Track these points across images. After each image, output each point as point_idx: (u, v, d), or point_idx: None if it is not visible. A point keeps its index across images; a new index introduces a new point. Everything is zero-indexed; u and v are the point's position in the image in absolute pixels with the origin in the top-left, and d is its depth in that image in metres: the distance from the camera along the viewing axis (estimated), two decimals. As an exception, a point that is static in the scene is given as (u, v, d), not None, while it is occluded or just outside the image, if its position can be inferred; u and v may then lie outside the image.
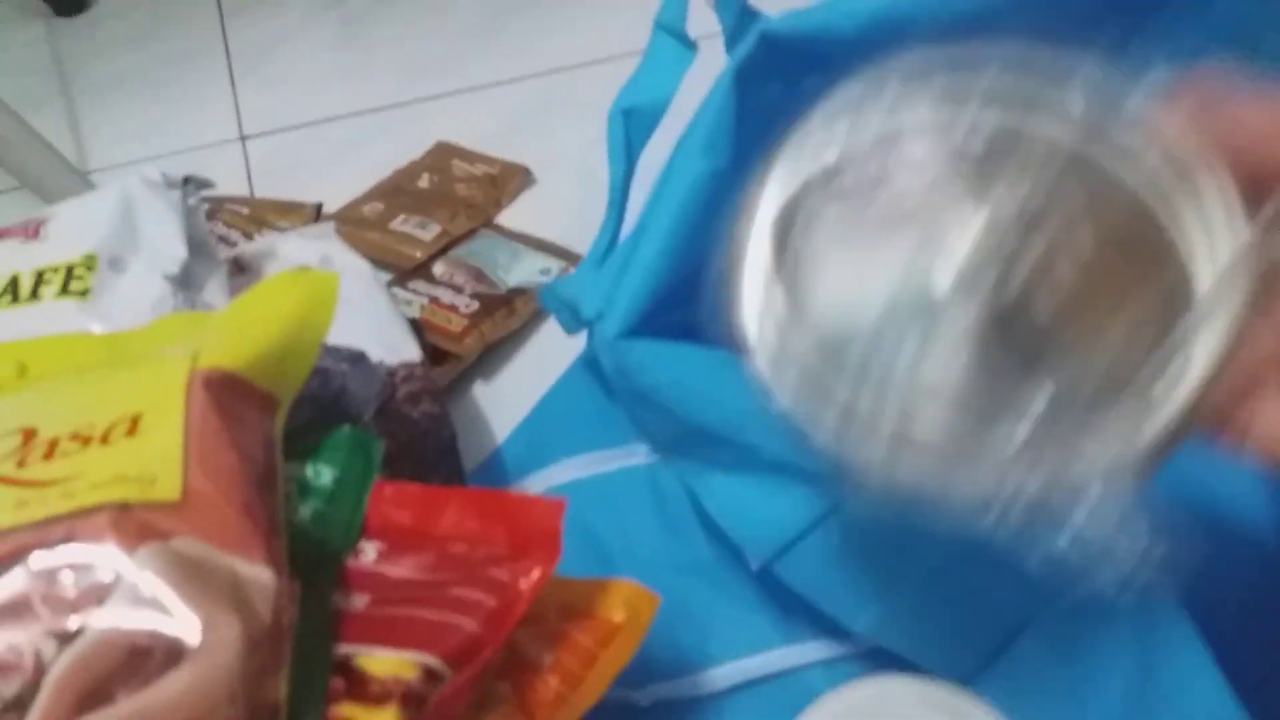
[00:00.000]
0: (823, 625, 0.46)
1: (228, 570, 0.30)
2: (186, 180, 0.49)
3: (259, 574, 0.31)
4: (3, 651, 0.27)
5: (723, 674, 0.47)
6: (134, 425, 0.32)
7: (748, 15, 0.53)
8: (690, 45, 0.53)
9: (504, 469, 0.57)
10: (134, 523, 0.29)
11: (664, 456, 0.45)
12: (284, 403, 0.36)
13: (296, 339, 0.37)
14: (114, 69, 0.89)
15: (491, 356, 0.64)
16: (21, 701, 0.27)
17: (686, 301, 0.39)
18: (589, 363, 0.60)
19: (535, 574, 0.34)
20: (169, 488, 0.30)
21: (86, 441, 0.31)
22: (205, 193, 0.52)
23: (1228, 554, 0.34)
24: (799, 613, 0.46)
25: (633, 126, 0.53)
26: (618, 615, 0.37)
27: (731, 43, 0.53)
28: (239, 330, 0.36)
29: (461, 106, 0.82)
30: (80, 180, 0.67)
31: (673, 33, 0.53)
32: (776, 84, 0.39)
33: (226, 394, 0.33)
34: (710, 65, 0.50)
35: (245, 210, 0.71)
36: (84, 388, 0.34)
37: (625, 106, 0.53)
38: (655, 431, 0.44)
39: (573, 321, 0.52)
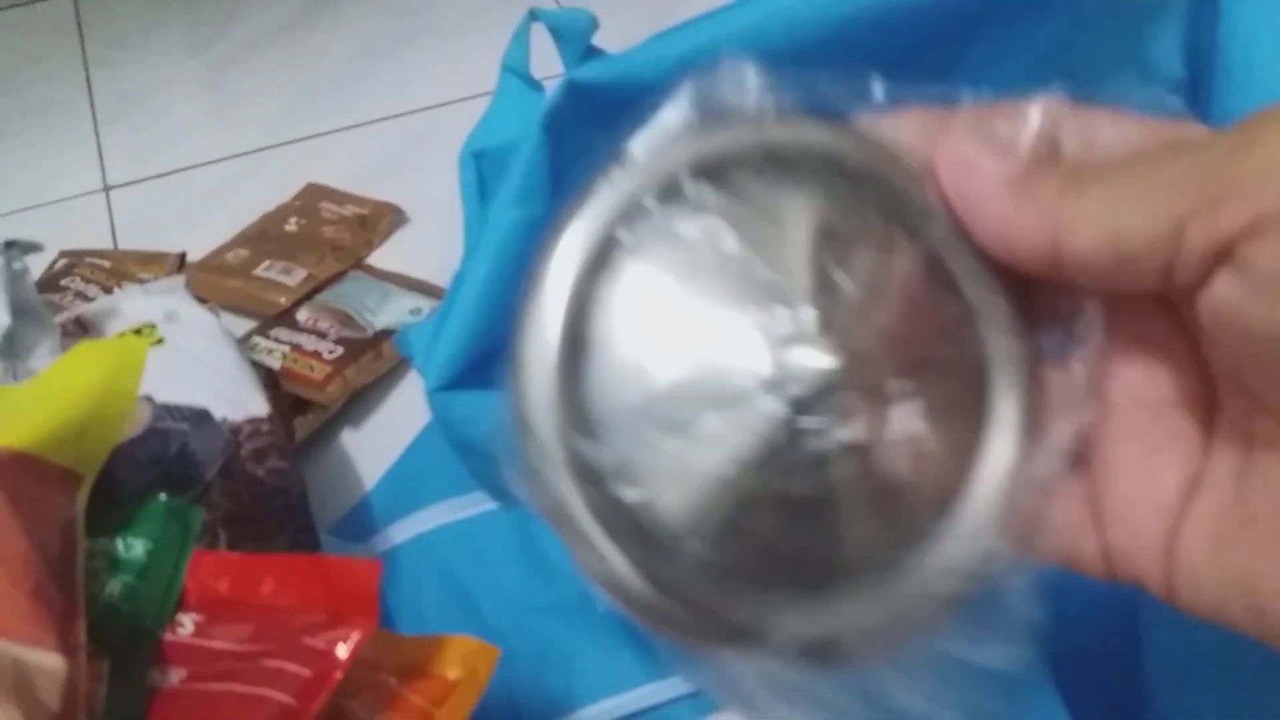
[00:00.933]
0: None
1: (10, 659, 0.29)
2: (9, 245, 0.47)
3: (46, 660, 0.30)
4: None
5: (591, 714, 0.47)
6: (-88, 514, 0.31)
7: (591, 56, 0.53)
8: (537, 86, 0.53)
9: (371, 517, 0.56)
10: (-94, 618, 0.28)
11: (503, 503, 0.44)
12: (87, 477, 0.35)
13: (99, 410, 0.35)
14: (-28, 121, 0.86)
15: (359, 402, 0.63)
16: None
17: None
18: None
19: (354, 639, 0.33)
20: (-53, 578, 0.29)
21: None
22: (67, 245, 0.51)
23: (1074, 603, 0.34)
24: (662, 649, 0.46)
25: (485, 168, 0.53)
26: (453, 672, 0.37)
27: None
28: (34, 407, 0.35)
29: (331, 147, 0.81)
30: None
31: (518, 74, 0.53)
32: (590, 130, 0.39)
33: (17, 474, 0.32)
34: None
35: (106, 263, 0.70)
36: None
37: (475, 149, 0.53)
38: (488, 480, 0.44)
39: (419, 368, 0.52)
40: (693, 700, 0.46)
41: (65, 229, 0.74)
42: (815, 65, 0.41)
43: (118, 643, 0.33)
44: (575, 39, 0.52)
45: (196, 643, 0.35)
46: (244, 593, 0.36)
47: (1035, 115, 0.21)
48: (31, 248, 0.49)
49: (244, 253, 0.70)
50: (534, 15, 0.52)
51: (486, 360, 0.39)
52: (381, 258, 0.72)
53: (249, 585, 0.36)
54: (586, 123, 0.39)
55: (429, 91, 0.85)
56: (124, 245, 0.74)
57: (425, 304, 0.67)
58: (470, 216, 0.54)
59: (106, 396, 0.36)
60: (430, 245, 0.73)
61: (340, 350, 0.62)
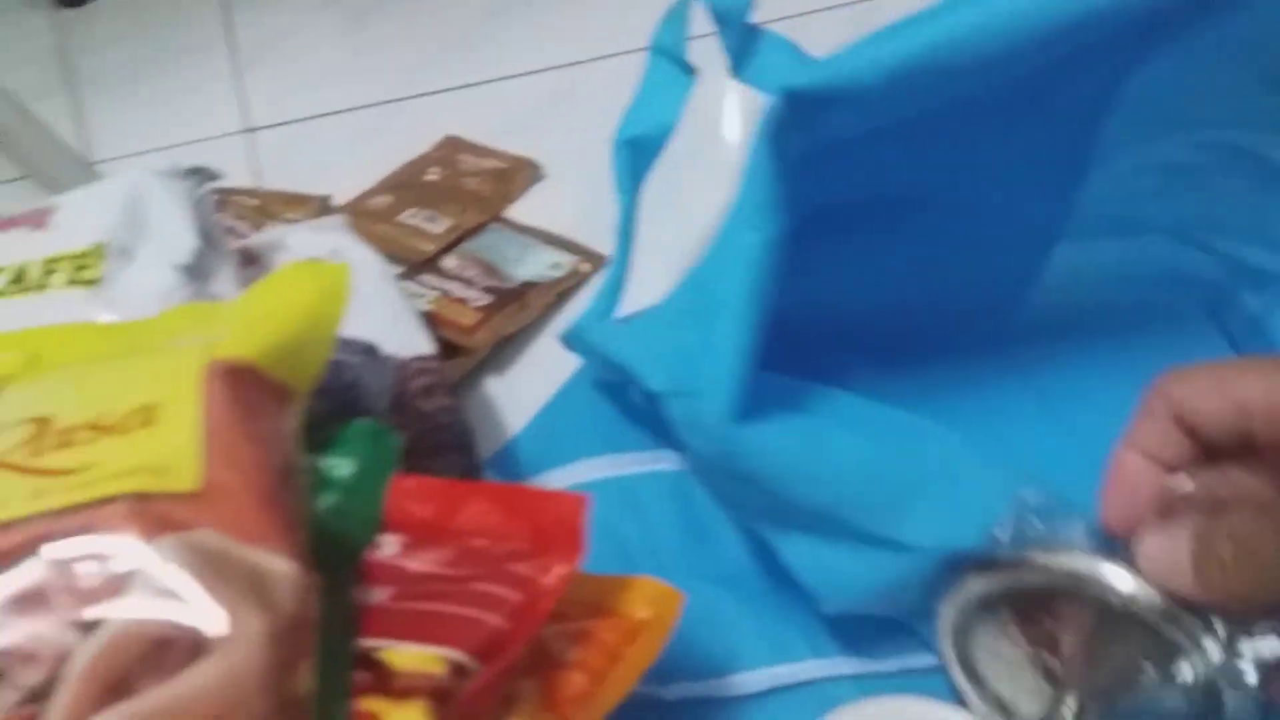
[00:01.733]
0: (852, 643, 0.46)
1: (249, 563, 0.29)
2: (195, 171, 0.48)
3: (281, 566, 0.30)
4: (23, 641, 0.27)
5: (752, 679, 0.46)
6: (149, 415, 0.31)
7: (751, 34, 0.52)
8: (690, 70, 0.52)
9: (518, 464, 0.56)
10: (152, 514, 0.29)
11: (738, 513, 0.45)
12: (299, 395, 0.35)
13: (310, 331, 0.36)
14: (118, 60, 0.88)
15: (502, 350, 0.63)
16: (44, 691, 0.26)
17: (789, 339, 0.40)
18: (600, 383, 0.59)
19: (559, 570, 0.33)
20: (188, 479, 0.30)
21: (102, 431, 0.31)
22: (212, 184, 0.52)
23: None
24: (827, 628, 0.46)
25: (637, 156, 0.52)
26: (642, 612, 0.37)
27: (737, 64, 0.52)
28: (253, 321, 0.35)
29: (469, 100, 0.81)
30: (86, 172, 0.67)
31: (671, 57, 0.52)
32: (799, 133, 0.39)
33: (243, 385, 0.33)
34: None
35: (253, 201, 0.71)
36: (97, 377, 0.33)
37: (628, 137, 0.52)
38: (737, 500, 0.44)
39: (604, 370, 0.52)
40: (856, 680, 0.46)
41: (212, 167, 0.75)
42: (1028, 65, 0.41)
43: (326, 559, 0.34)
44: (734, 19, 0.51)
45: (399, 563, 0.35)
46: (446, 518, 0.36)
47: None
48: (214, 175, 0.49)
49: (388, 199, 0.71)
50: None
51: (764, 390, 0.39)
52: (518, 211, 0.72)
53: (451, 511, 0.36)
54: (798, 126, 0.38)
55: (563, 49, 0.85)
56: (268, 184, 0.75)
57: (565, 258, 0.67)
58: (626, 206, 0.53)
59: (317, 317, 0.36)
60: (566, 201, 0.73)
61: (488, 298, 0.62)
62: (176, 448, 0.30)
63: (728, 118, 0.71)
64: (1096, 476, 0.55)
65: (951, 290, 0.54)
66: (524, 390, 0.61)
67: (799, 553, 0.43)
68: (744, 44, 0.51)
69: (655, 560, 0.50)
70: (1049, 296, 0.56)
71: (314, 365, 0.36)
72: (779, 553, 0.43)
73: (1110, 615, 0.36)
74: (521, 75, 0.83)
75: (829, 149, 0.42)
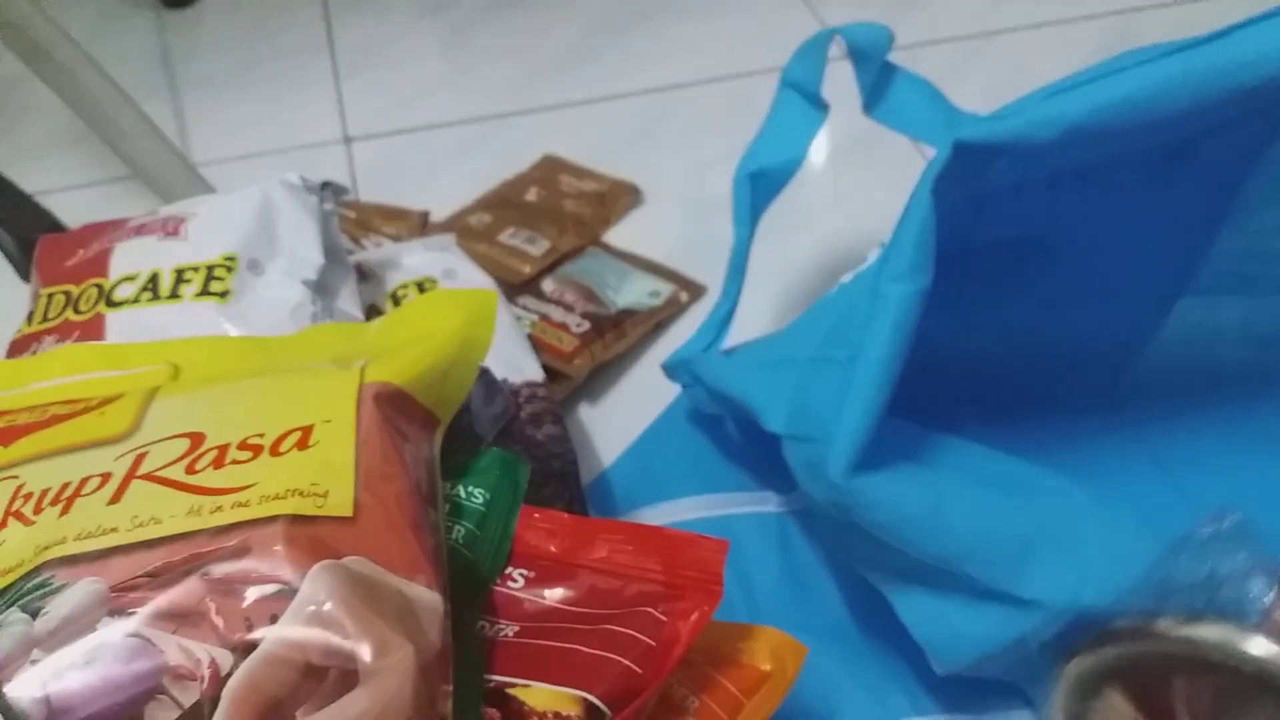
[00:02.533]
0: (953, 700, 0.45)
1: (398, 592, 0.29)
2: (325, 185, 0.48)
3: (427, 597, 0.30)
4: (179, 659, 0.27)
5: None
6: (305, 438, 0.31)
7: (886, 71, 0.52)
8: (822, 106, 0.51)
9: (612, 496, 0.56)
10: (308, 538, 0.29)
11: (853, 563, 0.44)
12: (444, 422, 0.35)
13: (458, 358, 0.36)
14: (220, 63, 0.89)
15: (597, 378, 0.63)
16: (200, 712, 0.26)
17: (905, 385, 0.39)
18: (699, 408, 0.59)
19: (694, 617, 0.33)
20: (341, 504, 0.30)
21: (257, 451, 0.31)
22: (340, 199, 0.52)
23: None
24: (928, 684, 0.45)
25: (758, 191, 0.52)
26: (765, 664, 0.36)
27: (870, 101, 0.52)
28: (403, 346, 0.35)
29: (568, 120, 0.81)
30: (193, 175, 0.67)
31: (802, 92, 0.51)
32: (959, 185, 0.38)
33: (394, 410, 0.33)
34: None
35: (352, 214, 0.71)
36: (248, 396, 0.33)
37: (752, 170, 0.51)
38: (855, 551, 0.44)
39: (709, 402, 0.51)
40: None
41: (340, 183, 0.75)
42: (1199, 127, 0.40)
43: (458, 590, 0.34)
44: (874, 56, 0.51)
45: (526, 597, 0.35)
46: (573, 554, 0.36)
47: None
48: (341, 191, 0.50)
49: (486, 218, 0.71)
50: (834, 31, 0.51)
51: (885, 438, 0.38)
52: (616, 236, 0.72)
53: (578, 546, 0.36)
54: (960, 180, 0.38)
55: (663, 72, 0.85)
56: (364, 196, 0.76)
57: (664, 287, 0.67)
58: (741, 240, 0.53)
59: (466, 344, 0.36)
60: (664, 227, 0.73)
61: (587, 325, 0.62)
62: (333, 472, 0.30)
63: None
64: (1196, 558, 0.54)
65: (1070, 341, 0.54)
66: (618, 420, 0.60)
67: (914, 607, 0.42)
68: (880, 81, 0.50)
69: (752, 605, 0.50)
70: (1168, 352, 0.55)
71: (460, 392, 0.36)
72: (895, 607, 0.43)
73: (1241, 687, 0.35)
74: (622, 97, 0.83)
75: (973, 200, 0.42)
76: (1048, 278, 0.51)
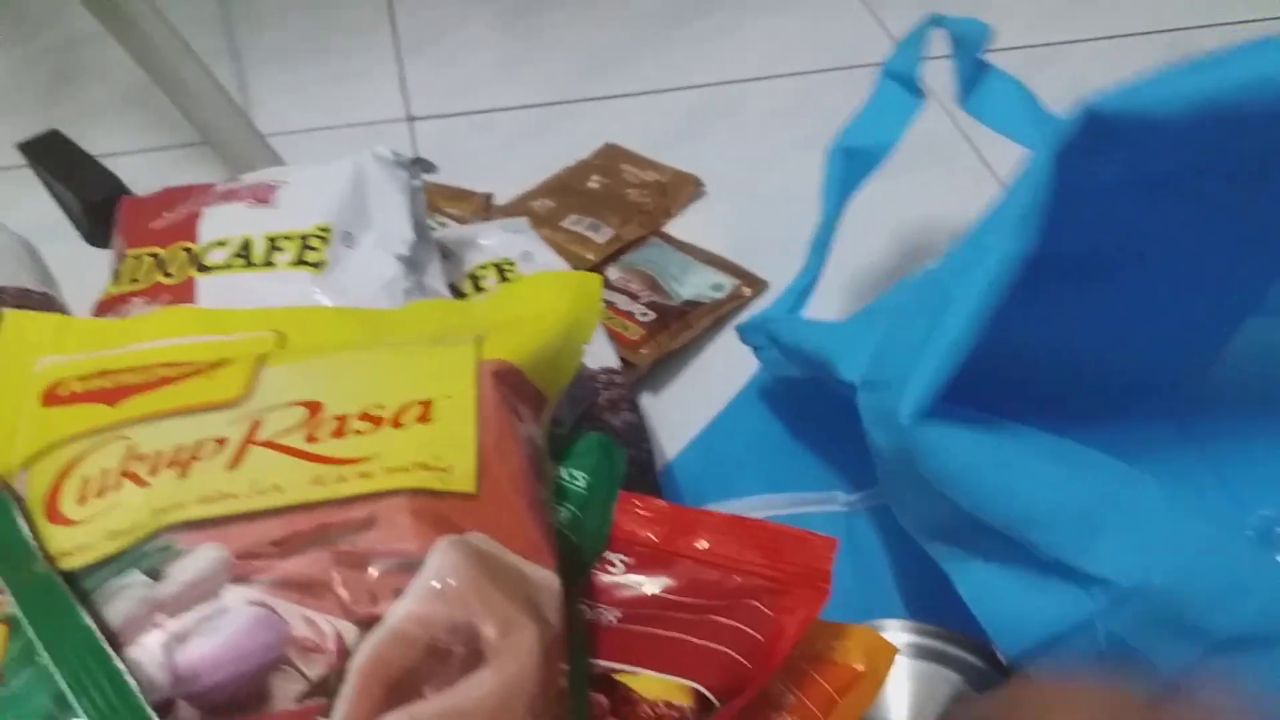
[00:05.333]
0: None
1: (519, 571, 0.29)
2: (416, 161, 0.48)
3: (546, 577, 0.30)
4: (304, 631, 0.26)
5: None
6: (426, 411, 0.31)
7: (980, 66, 0.52)
8: (920, 94, 0.52)
9: (677, 488, 0.56)
10: (432, 513, 0.28)
11: (922, 538, 0.44)
12: (552, 402, 0.35)
13: (567, 339, 0.36)
14: (283, 34, 0.89)
15: (660, 369, 0.63)
16: (327, 685, 0.26)
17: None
18: (767, 395, 0.59)
19: (803, 612, 0.33)
20: (465, 479, 0.29)
21: (377, 423, 0.30)
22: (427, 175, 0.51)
23: None
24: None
25: (850, 167, 0.52)
26: (859, 663, 0.36)
27: (965, 92, 0.52)
28: (514, 325, 0.35)
29: (630, 109, 0.81)
30: (263, 144, 0.67)
31: (902, 80, 0.52)
32: (1082, 157, 0.38)
33: (510, 388, 0.32)
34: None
35: (415, 192, 0.71)
36: (363, 367, 0.33)
37: (846, 145, 0.52)
38: (919, 513, 0.43)
39: (781, 361, 0.51)
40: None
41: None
42: None
43: (562, 571, 0.33)
44: (971, 48, 0.51)
45: (626, 584, 0.35)
46: (672, 542, 0.36)
47: None
48: (429, 168, 0.49)
49: (549, 203, 0.71)
50: (936, 20, 0.51)
51: (960, 391, 0.38)
52: (677, 227, 0.72)
53: (677, 535, 0.36)
54: (1085, 151, 0.38)
55: (722, 67, 0.84)
56: (426, 178, 0.75)
57: (726, 280, 0.66)
58: (829, 214, 0.53)
59: (574, 325, 0.36)
60: (725, 221, 0.72)
61: (653, 315, 0.62)
62: (456, 446, 0.30)
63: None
64: (1265, 552, 0.54)
65: (1137, 355, 0.53)
66: (680, 412, 0.60)
67: (977, 584, 0.41)
68: (973, 74, 0.50)
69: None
70: (1234, 368, 0.55)
71: (567, 372, 0.35)
72: (956, 583, 0.42)
73: None
74: (684, 89, 0.82)
75: (1072, 201, 0.41)
76: (1121, 288, 0.51)
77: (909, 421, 0.38)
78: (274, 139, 0.77)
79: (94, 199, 0.60)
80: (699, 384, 0.62)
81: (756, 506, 0.53)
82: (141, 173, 0.63)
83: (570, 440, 0.37)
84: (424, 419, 0.31)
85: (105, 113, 0.80)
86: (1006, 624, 0.41)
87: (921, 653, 0.44)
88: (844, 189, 0.53)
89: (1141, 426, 0.55)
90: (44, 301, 0.46)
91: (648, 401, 0.62)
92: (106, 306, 0.44)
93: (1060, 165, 0.38)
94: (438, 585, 0.27)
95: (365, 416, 0.31)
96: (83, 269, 0.52)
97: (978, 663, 0.43)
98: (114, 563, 0.28)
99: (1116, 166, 0.41)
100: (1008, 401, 0.53)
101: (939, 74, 0.53)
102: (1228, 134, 0.39)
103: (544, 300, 0.36)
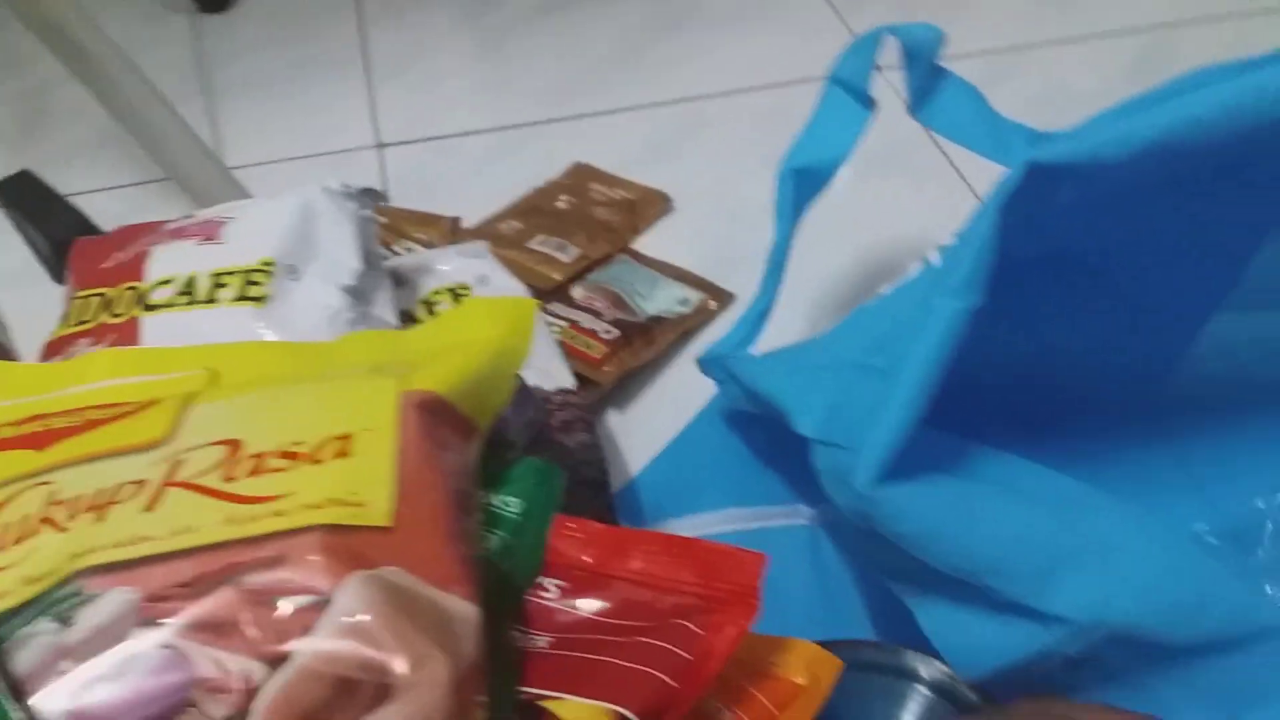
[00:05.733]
0: None
1: (434, 604, 0.29)
2: (365, 191, 0.48)
3: (463, 608, 0.29)
4: (212, 671, 0.27)
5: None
6: (345, 446, 0.31)
7: (935, 73, 0.51)
8: (869, 104, 0.51)
9: (639, 504, 0.56)
10: (345, 548, 0.28)
11: (877, 571, 0.44)
12: (482, 430, 0.35)
13: (497, 366, 0.36)
14: (254, 68, 0.89)
15: (626, 385, 0.63)
16: (233, 725, 0.26)
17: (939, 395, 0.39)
18: (732, 413, 0.58)
19: (731, 630, 0.33)
20: (380, 514, 0.29)
21: (296, 459, 0.31)
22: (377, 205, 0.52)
23: None
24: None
25: (802, 187, 0.51)
26: (799, 677, 0.36)
27: (916, 102, 0.51)
28: (443, 354, 0.35)
29: (599, 128, 0.81)
30: (228, 179, 0.67)
31: (851, 89, 0.51)
32: (1028, 204, 0.38)
33: (435, 419, 0.32)
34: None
35: (383, 220, 0.71)
36: (287, 402, 0.33)
37: (796, 166, 0.51)
38: (878, 558, 0.43)
39: (742, 398, 0.51)
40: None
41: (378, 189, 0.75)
42: (1261, 147, 0.40)
43: (490, 599, 0.33)
44: (924, 57, 0.51)
45: (559, 608, 0.35)
46: (607, 564, 0.36)
47: None
48: (380, 198, 0.50)
49: (517, 224, 0.71)
50: (889, 29, 0.50)
51: (915, 451, 0.38)
52: (646, 244, 0.72)
53: (612, 557, 0.36)
54: (1029, 199, 0.37)
55: (694, 82, 0.85)
56: (396, 204, 0.76)
57: (693, 295, 0.66)
58: (782, 236, 0.52)
59: (505, 352, 0.36)
60: (694, 236, 0.72)
61: (616, 332, 0.62)
62: (372, 481, 0.30)
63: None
64: (1239, 549, 0.53)
65: (1104, 356, 0.53)
66: (646, 427, 0.60)
67: (936, 618, 0.42)
68: (927, 83, 0.49)
69: (782, 620, 0.49)
70: (1201, 367, 0.54)
71: (499, 401, 0.35)
72: (916, 614, 0.42)
73: None
74: (654, 105, 0.83)
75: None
76: (1086, 294, 0.51)
77: (865, 485, 0.39)
78: (245, 170, 0.78)
79: (61, 238, 0.60)
80: (666, 399, 0.62)
81: (720, 521, 0.53)
82: (113, 210, 0.63)
83: (506, 466, 0.37)
84: (343, 454, 0.31)
85: (78, 152, 0.81)
86: (966, 654, 0.41)
87: (891, 671, 0.43)
88: (796, 209, 0.52)
89: (1112, 429, 0.54)
90: (-9, 348, 0.47)
91: (614, 418, 0.62)
92: (54, 349, 0.44)
93: (1009, 214, 0.38)
94: (347, 621, 0.27)
95: (284, 454, 0.31)
96: (52, 313, 0.52)
97: (947, 681, 0.43)
98: (29, 609, 0.28)
99: (1069, 194, 0.40)
100: (977, 414, 0.53)
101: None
102: (1187, 158, 0.39)
103: (475, 328, 0.36)
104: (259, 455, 0.31)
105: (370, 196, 0.48)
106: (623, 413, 0.62)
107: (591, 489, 0.48)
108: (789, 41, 0.88)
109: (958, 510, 0.39)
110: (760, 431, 0.57)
